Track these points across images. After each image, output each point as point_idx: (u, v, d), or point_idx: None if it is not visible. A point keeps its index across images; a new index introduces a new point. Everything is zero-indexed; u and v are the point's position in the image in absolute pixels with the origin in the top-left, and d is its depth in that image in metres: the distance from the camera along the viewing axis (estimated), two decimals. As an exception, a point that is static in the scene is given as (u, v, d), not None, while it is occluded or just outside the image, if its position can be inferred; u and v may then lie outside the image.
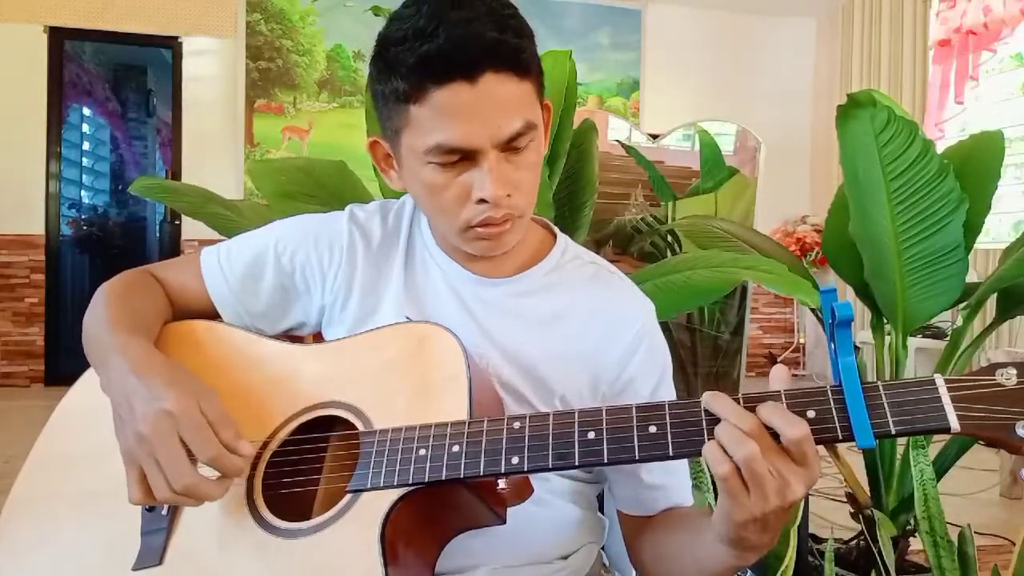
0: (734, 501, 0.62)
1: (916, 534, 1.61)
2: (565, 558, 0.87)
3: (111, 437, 0.74)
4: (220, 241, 0.96)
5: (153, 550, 0.75)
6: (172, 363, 0.77)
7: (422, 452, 0.70)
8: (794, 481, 0.60)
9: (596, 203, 1.82)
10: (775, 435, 0.61)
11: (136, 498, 0.71)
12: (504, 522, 0.75)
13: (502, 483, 0.70)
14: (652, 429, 0.65)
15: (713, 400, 0.64)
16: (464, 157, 0.76)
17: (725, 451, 0.61)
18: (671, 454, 0.64)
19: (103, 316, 0.83)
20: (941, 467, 1.68)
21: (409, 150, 0.78)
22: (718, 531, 0.66)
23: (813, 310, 1.87)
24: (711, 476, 1.19)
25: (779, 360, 6.24)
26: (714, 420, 0.63)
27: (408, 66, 0.73)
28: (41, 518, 0.82)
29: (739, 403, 0.63)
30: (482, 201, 0.77)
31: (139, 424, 0.70)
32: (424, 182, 0.79)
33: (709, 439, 0.63)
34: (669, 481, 0.87)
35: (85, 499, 0.81)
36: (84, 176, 6.28)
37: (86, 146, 6.33)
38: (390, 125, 0.80)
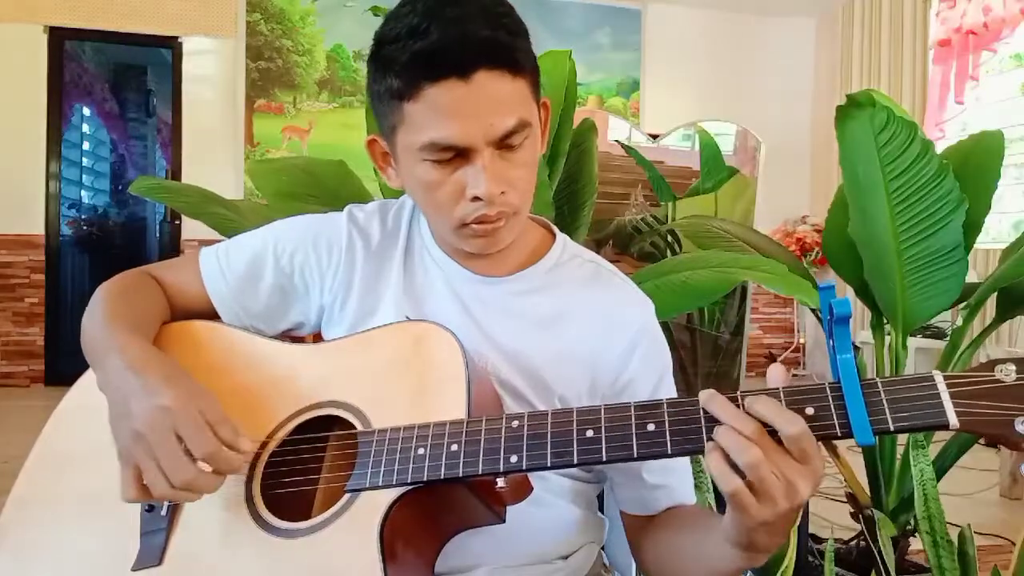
0: (743, 512, 0.61)
1: (916, 534, 1.61)
2: (565, 558, 0.87)
3: (111, 436, 0.74)
4: (220, 241, 0.96)
5: (153, 550, 0.75)
6: (169, 361, 0.77)
7: (421, 451, 0.70)
8: (799, 481, 0.60)
9: (596, 203, 1.82)
10: (773, 434, 0.61)
11: (130, 495, 0.71)
12: (503, 521, 0.75)
13: (501, 482, 0.70)
14: (650, 427, 0.65)
15: (711, 401, 0.63)
16: (458, 154, 0.76)
17: (729, 461, 0.60)
18: (669, 452, 0.64)
19: (101, 316, 0.83)
20: (941, 467, 1.68)
21: (404, 147, 0.79)
22: (728, 534, 0.65)
23: (813, 310, 1.87)
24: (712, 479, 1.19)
25: (779, 360, 6.24)
26: (713, 419, 0.63)
27: (402, 64, 0.73)
28: (41, 519, 0.82)
29: (738, 401, 0.63)
30: (476, 199, 0.77)
31: (135, 421, 0.70)
32: (419, 179, 0.79)
33: (708, 438, 0.62)
34: (670, 480, 0.87)
35: (85, 499, 0.81)
36: (84, 176, 6.28)
37: (86, 146, 6.33)
38: (386, 123, 0.80)
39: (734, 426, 0.61)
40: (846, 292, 2.13)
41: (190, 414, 0.70)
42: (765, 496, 0.60)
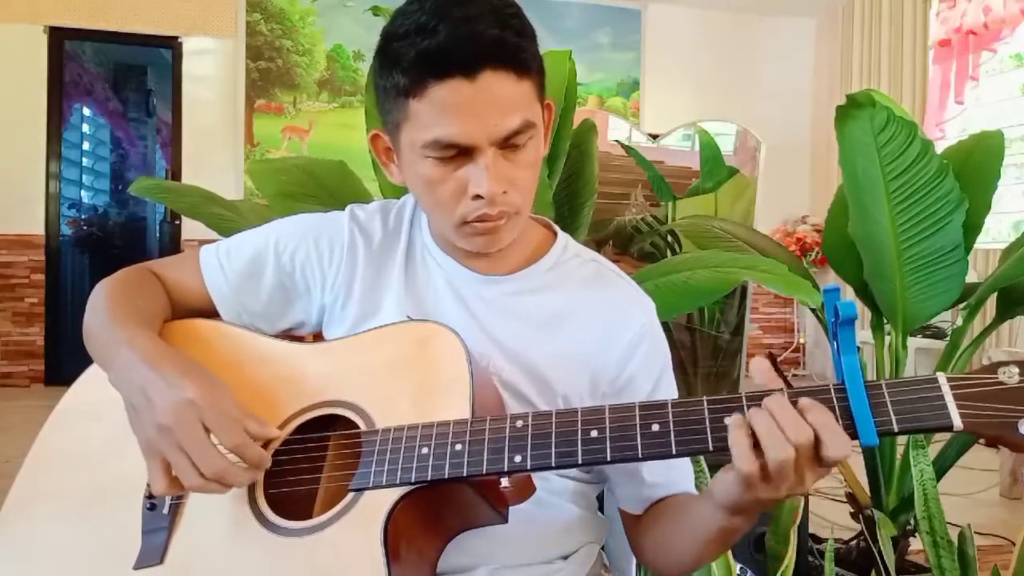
0: (747, 489, 0.63)
1: (916, 534, 1.61)
2: (565, 558, 0.87)
3: (112, 435, 0.74)
4: (221, 240, 0.96)
5: (154, 549, 0.75)
6: (181, 354, 0.77)
7: (424, 451, 0.70)
8: (808, 477, 0.62)
9: (596, 203, 1.82)
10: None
11: (162, 489, 0.71)
12: (506, 521, 0.75)
13: (505, 482, 0.70)
14: (655, 428, 0.65)
15: (771, 395, 0.63)
16: (461, 153, 0.76)
17: (755, 445, 0.61)
18: (674, 452, 0.65)
19: (105, 312, 0.83)
20: (941, 467, 1.68)
21: (408, 144, 0.79)
22: (719, 495, 0.67)
23: (813, 310, 1.87)
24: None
25: (779, 360, 6.24)
26: (719, 416, 0.63)
27: (409, 61, 0.74)
28: (41, 517, 0.82)
29: (743, 405, 0.64)
30: (478, 197, 0.77)
31: (160, 415, 0.70)
32: (422, 176, 0.79)
33: (712, 437, 0.63)
34: (670, 476, 0.87)
35: (86, 498, 0.81)
36: (84, 176, 6.28)
37: (86, 146, 6.33)
38: (391, 119, 0.80)
39: (780, 423, 0.61)
40: (845, 292, 2.13)
41: (216, 405, 0.71)
42: (773, 482, 0.62)
